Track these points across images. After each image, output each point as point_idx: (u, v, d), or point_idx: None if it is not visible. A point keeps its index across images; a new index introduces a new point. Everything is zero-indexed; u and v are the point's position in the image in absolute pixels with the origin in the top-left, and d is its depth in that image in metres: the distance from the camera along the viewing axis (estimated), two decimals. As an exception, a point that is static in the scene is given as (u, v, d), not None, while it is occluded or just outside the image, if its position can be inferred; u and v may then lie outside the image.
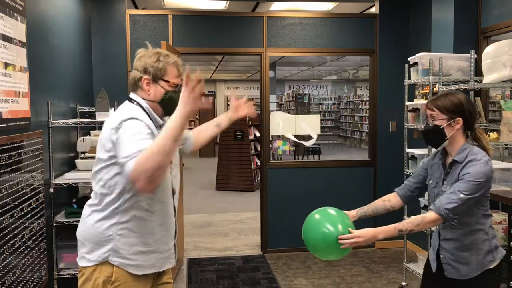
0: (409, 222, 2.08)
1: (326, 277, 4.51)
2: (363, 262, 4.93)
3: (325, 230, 2.08)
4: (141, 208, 1.92)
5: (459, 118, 2.13)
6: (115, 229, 1.90)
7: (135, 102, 1.96)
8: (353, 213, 2.32)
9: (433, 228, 2.40)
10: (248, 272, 4.66)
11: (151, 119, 1.94)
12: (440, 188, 2.20)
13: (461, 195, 2.03)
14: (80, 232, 1.99)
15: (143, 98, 1.97)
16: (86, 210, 1.98)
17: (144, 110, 1.94)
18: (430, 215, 2.07)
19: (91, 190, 2.03)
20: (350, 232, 2.06)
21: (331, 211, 2.18)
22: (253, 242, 5.68)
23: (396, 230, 2.07)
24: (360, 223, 2.24)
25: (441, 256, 2.24)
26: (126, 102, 1.99)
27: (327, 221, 2.11)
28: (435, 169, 2.27)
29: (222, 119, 2.33)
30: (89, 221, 1.94)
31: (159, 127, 1.97)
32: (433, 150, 2.38)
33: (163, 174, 1.71)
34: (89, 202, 1.99)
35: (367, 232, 2.06)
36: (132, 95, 2.01)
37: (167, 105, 1.97)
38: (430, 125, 2.18)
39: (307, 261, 4.95)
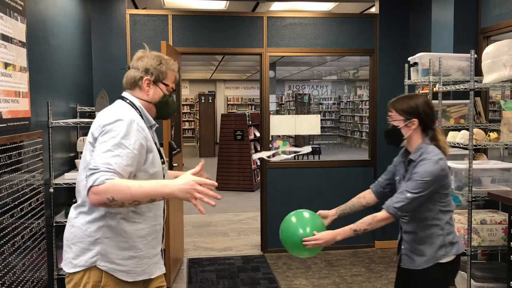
0: (362, 222, 2.24)
1: (326, 277, 4.51)
2: (363, 262, 4.93)
3: (293, 231, 2.29)
4: (129, 210, 1.88)
5: (415, 119, 2.27)
6: (103, 232, 1.85)
7: (128, 101, 1.96)
8: (333, 212, 2.50)
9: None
10: (248, 272, 4.66)
11: (143, 119, 1.94)
12: (401, 184, 2.33)
13: (408, 194, 2.17)
14: (67, 235, 1.94)
15: (139, 98, 1.98)
16: (73, 212, 1.94)
17: (137, 109, 1.94)
18: (380, 213, 2.22)
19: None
20: (313, 235, 2.23)
21: (305, 213, 2.36)
22: (253, 242, 5.68)
23: (351, 231, 2.23)
24: (345, 221, 2.39)
25: (402, 247, 2.39)
26: (118, 101, 1.98)
27: (298, 224, 2.31)
28: (400, 166, 2.42)
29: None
30: (76, 223, 1.90)
31: (150, 127, 1.99)
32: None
33: (117, 209, 1.80)
34: (75, 204, 1.95)
35: (326, 235, 2.23)
36: (125, 94, 2.00)
37: (162, 108, 2.02)
38: (390, 125, 2.35)
39: (307, 261, 4.95)
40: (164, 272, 2.10)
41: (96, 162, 1.70)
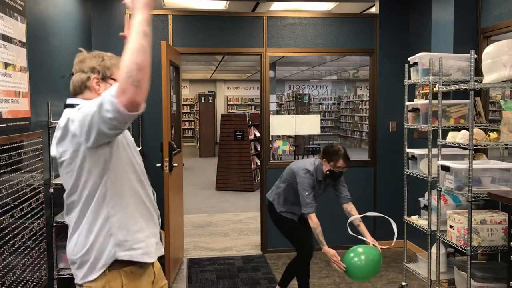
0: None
1: (326, 277, 4.50)
2: (363, 262, 4.93)
3: (372, 261, 3.32)
4: (120, 191, 1.83)
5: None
6: (113, 223, 1.81)
7: (77, 106, 1.80)
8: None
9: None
10: (248, 272, 4.66)
11: None
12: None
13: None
14: (79, 244, 1.84)
15: (90, 100, 1.83)
16: (70, 229, 1.88)
17: None
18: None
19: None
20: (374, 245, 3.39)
21: (358, 249, 3.42)
22: (253, 242, 5.68)
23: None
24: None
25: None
26: (66, 110, 1.84)
27: (366, 256, 3.39)
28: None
29: None
30: (87, 223, 1.84)
31: None
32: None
33: (147, 76, 1.56)
34: (70, 217, 1.88)
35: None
36: (71, 100, 1.90)
37: None
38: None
39: (307, 261, 4.95)
40: (163, 253, 2.05)
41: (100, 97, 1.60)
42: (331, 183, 3.70)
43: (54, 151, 1.82)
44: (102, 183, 1.80)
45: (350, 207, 3.69)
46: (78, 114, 1.70)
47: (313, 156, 12.29)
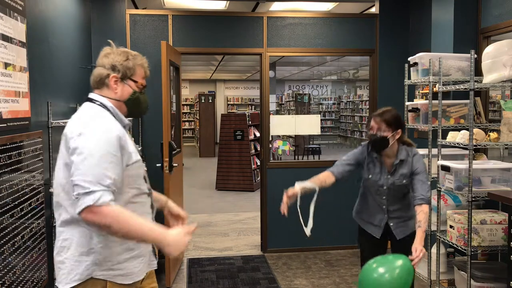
0: (422, 221, 2.60)
1: (326, 277, 4.51)
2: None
3: (402, 272, 2.29)
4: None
5: (399, 129, 2.78)
6: (98, 241, 1.76)
7: (98, 103, 1.86)
8: (297, 190, 2.83)
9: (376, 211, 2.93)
10: (248, 272, 4.66)
11: (116, 120, 1.86)
12: (387, 181, 2.82)
13: (428, 183, 2.78)
14: (60, 247, 1.82)
15: (108, 97, 1.89)
16: (59, 229, 1.84)
17: (109, 111, 1.86)
18: (426, 207, 2.66)
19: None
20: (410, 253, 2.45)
21: (381, 260, 2.41)
22: (253, 242, 5.68)
23: (423, 232, 2.57)
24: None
25: (391, 224, 2.89)
26: (87, 104, 1.87)
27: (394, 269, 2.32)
28: (372, 166, 2.87)
29: (163, 203, 2.17)
30: (70, 231, 1.79)
31: (124, 127, 1.89)
32: (368, 149, 2.90)
33: (107, 233, 1.70)
34: (60, 220, 1.83)
35: (417, 244, 2.49)
36: (93, 95, 1.90)
37: (133, 106, 1.92)
38: (378, 136, 2.75)
39: (307, 261, 4.95)
40: (156, 268, 2.03)
41: (86, 175, 1.63)
42: (395, 168, 2.82)
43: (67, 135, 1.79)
44: None
45: (419, 210, 2.67)
46: (84, 145, 1.68)
47: (313, 157, 12.31)
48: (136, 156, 1.86)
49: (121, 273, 1.82)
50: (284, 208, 2.74)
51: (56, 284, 1.86)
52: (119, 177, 1.71)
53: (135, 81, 1.91)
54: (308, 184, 2.80)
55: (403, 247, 2.74)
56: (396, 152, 2.81)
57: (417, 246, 2.47)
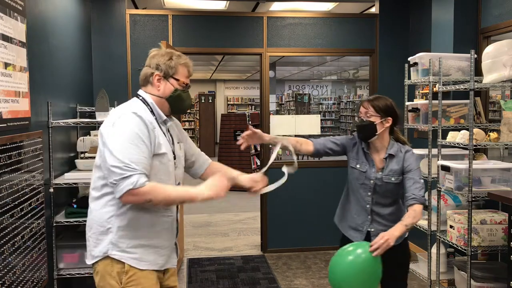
0: (408, 217, 2.37)
1: (326, 277, 4.50)
2: (363, 262, 4.93)
3: (358, 256, 2.22)
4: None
5: (390, 118, 2.52)
6: (113, 222, 1.93)
7: (141, 97, 2.04)
8: (268, 138, 2.68)
9: (354, 211, 2.67)
10: (248, 272, 4.66)
11: (153, 114, 2.00)
12: (374, 175, 2.56)
13: (422, 181, 2.48)
14: (88, 226, 2.02)
15: (151, 94, 2.04)
16: (92, 204, 2.02)
17: (148, 105, 2.01)
18: (418, 206, 2.38)
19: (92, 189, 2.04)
20: (370, 246, 2.23)
21: (348, 248, 2.30)
22: (253, 242, 5.68)
23: (403, 226, 2.32)
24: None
25: (371, 229, 2.59)
26: (133, 98, 2.07)
27: (351, 253, 2.25)
28: (361, 155, 2.63)
29: (234, 176, 2.40)
30: (91, 215, 1.99)
31: (162, 122, 2.05)
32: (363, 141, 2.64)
33: (150, 208, 1.94)
34: (92, 196, 2.02)
35: (387, 233, 2.25)
36: (140, 91, 2.08)
37: (174, 103, 2.05)
38: (364, 120, 2.53)
39: (307, 261, 4.95)
40: (175, 266, 2.15)
41: (116, 159, 1.81)
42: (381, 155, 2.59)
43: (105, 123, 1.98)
44: None
45: (410, 210, 2.42)
46: (114, 133, 1.87)
47: (313, 157, 12.26)
48: (165, 149, 1.99)
49: (135, 257, 1.95)
50: (241, 140, 2.69)
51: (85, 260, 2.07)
52: (148, 162, 1.88)
53: (177, 80, 2.06)
54: (285, 141, 2.61)
55: (388, 258, 2.33)
56: (386, 147, 2.55)
57: (385, 234, 2.23)
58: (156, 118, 2.00)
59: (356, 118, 2.59)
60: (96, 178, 1.97)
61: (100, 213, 1.95)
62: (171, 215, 2.08)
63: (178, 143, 2.15)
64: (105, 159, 1.85)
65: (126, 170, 1.79)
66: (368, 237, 2.57)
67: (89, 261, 2.01)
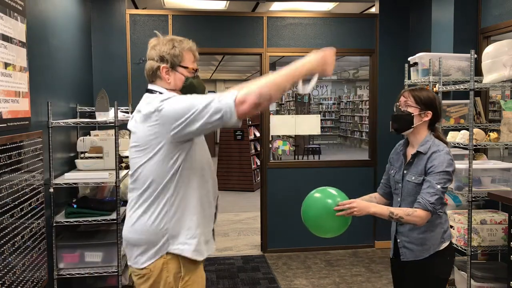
0: (401, 209, 2.19)
1: (326, 277, 4.51)
2: (363, 262, 4.93)
3: (326, 200, 2.17)
4: (190, 184, 1.89)
5: (429, 112, 2.29)
6: (167, 220, 1.83)
7: (157, 93, 1.89)
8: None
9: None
10: (248, 272, 4.66)
11: None
12: (400, 176, 2.35)
13: (438, 186, 2.16)
14: (131, 234, 1.89)
15: (163, 88, 1.92)
16: (132, 211, 1.90)
17: None
18: (419, 211, 2.15)
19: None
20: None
21: (331, 189, 2.25)
22: (253, 242, 5.68)
23: (388, 211, 2.17)
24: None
25: (398, 240, 2.36)
26: (146, 94, 1.92)
27: (327, 195, 2.20)
28: (395, 159, 2.44)
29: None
30: (138, 225, 1.86)
31: None
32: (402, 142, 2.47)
33: (268, 105, 1.78)
34: (133, 202, 1.90)
35: (361, 202, 2.17)
36: (151, 86, 1.94)
37: (189, 92, 1.91)
38: (402, 110, 2.31)
39: (307, 261, 4.95)
40: (214, 252, 2.09)
41: (203, 99, 1.71)
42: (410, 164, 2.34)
43: (132, 127, 1.88)
44: (174, 172, 1.84)
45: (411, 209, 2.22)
46: (171, 107, 1.74)
47: (313, 157, 12.30)
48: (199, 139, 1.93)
49: (193, 249, 1.86)
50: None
51: (129, 264, 1.93)
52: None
53: (185, 67, 1.93)
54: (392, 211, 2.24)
55: (410, 273, 2.29)
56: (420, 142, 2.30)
57: (358, 201, 2.15)
58: None
59: (394, 108, 2.37)
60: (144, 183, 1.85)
61: (153, 219, 1.84)
62: (212, 199, 2.05)
63: None
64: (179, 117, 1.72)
65: (211, 97, 1.69)
66: (396, 249, 2.39)
67: (142, 265, 1.86)
